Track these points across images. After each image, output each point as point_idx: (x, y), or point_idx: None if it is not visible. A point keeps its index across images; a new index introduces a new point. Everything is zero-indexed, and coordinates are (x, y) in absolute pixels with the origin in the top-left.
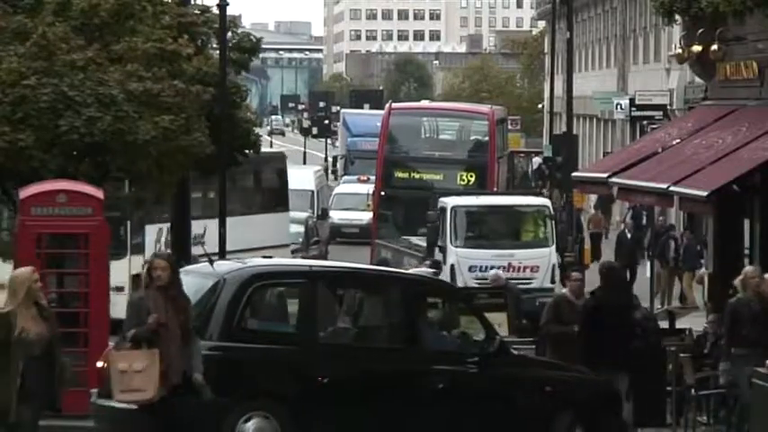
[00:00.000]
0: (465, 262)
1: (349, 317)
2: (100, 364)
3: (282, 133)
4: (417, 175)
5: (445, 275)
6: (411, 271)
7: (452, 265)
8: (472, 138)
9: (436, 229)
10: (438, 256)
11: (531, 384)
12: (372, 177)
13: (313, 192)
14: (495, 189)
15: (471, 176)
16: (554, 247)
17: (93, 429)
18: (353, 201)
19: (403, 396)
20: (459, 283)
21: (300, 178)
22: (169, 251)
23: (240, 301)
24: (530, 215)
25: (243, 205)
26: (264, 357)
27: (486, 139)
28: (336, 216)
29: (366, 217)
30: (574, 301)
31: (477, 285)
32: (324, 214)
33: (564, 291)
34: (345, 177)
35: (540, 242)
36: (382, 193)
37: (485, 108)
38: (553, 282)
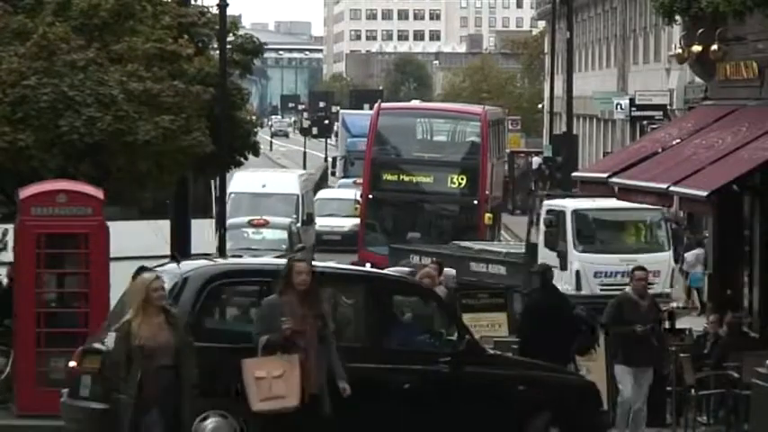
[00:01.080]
0: (590, 268)
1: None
2: (72, 363)
3: (286, 135)
4: (407, 178)
5: (569, 282)
6: (386, 270)
7: (577, 272)
8: (464, 139)
9: (553, 233)
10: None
11: (504, 384)
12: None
13: (298, 196)
14: (487, 192)
15: (462, 179)
16: (671, 252)
17: (64, 429)
18: (336, 206)
19: (365, 395)
20: (585, 290)
21: (284, 182)
22: (307, 254)
23: (199, 300)
24: (649, 218)
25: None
26: (222, 356)
27: (479, 140)
28: (317, 222)
29: (349, 224)
30: (638, 300)
31: (601, 292)
32: (309, 220)
33: (627, 290)
34: (342, 180)
35: (659, 246)
36: (370, 197)
37: (477, 108)
38: (671, 286)
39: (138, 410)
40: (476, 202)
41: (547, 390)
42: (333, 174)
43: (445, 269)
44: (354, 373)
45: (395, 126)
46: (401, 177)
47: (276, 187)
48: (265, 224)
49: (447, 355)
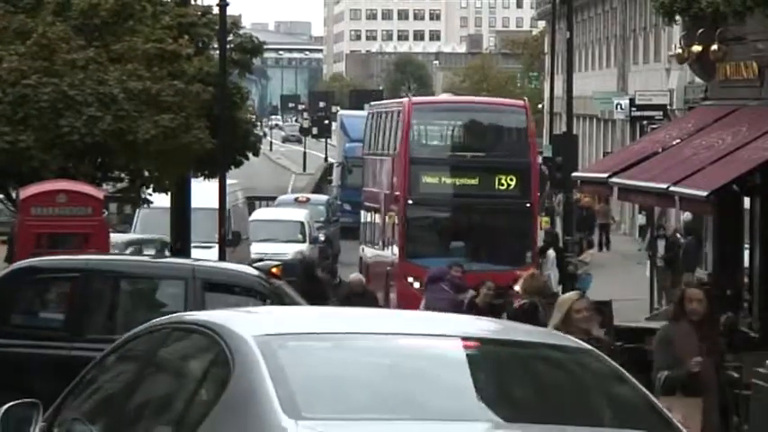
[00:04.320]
0: None
1: (126, 311)
2: None
3: (299, 141)
4: (449, 180)
5: None
6: (229, 266)
7: None
8: (510, 135)
9: None
10: None
11: None
12: (313, 197)
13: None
14: (538, 194)
15: (511, 180)
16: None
17: None
18: (276, 229)
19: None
20: None
21: (206, 195)
22: (703, 280)
23: (2, 297)
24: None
25: None
26: (22, 353)
27: (526, 136)
28: (253, 249)
29: (292, 250)
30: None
31: None
32: (236, 240)
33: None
34: (282, 197)
35: None
36: (409, 202)
37: (519, 101)
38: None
39: None
40: (528, 205)
41: None
42: (329, 182)
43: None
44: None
45: (431, 123)
46: (442, 180)
47: (197, 201)
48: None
49: None
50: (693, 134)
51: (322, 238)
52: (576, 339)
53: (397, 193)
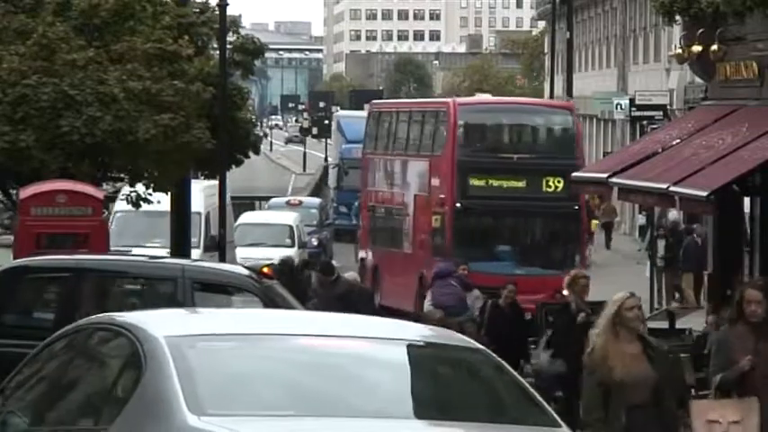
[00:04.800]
0: None
1: (116, 310)
2: None
3: (303, 142)
4: (496, 183)
5: None
6: (219, 266)
7: None
8: (556, 136)
9: None
10: None
11: None
12: (306, 200)
13: (200, 214)
14: (587, 198)
15: (559, 182)
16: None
17: None
18: (264, 233)
19: None
20: None
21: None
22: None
23: None
24: None
25: None
26: (14, 352)
27: (573, 137)
28: (238, 254)
29: (279, 255)
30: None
31: None
32: (213, 244)
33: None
34: (274, 200)
35: None
36: (457, 205)
37: (564, 102)
38: None
39: None
40: (576, 207)
41: None
42: (325, 183)
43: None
44: None
45: (477, 124)
46: (489, 182)
47: (168, 204)
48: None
49: None
50: (693, 134)
51: (315, 242)
52: (466, 338)
53: (442, 195)
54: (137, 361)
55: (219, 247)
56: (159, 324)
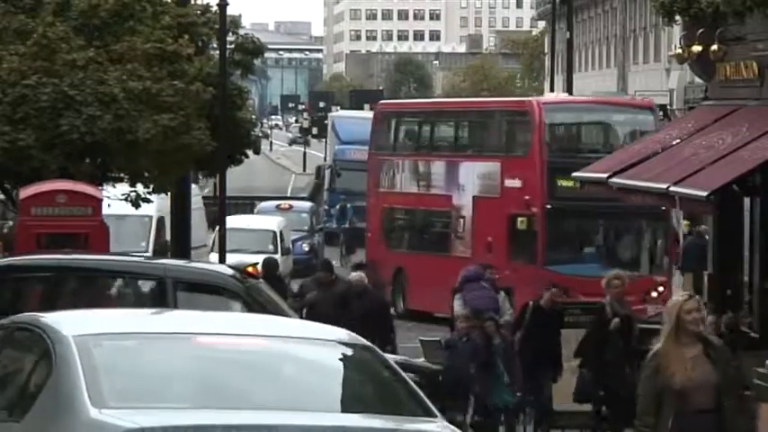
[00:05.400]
0: None
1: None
2: None
3: (307, 143)
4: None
5: None
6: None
7: None
8: (638, 135)
9: None
10: None
11: None
12: (296, 204)
13: (151, 217)
14: None
15: None
16: None
17: None
18: (247, 239)
19: None
20: None
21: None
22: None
23: None
24: None
25: None
26: None
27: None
28: (213, 260)
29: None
30: None
31: None
32: (164, 249)
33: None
34: (263, 204)
35: None
36: (548, 207)
37: (645, 100)
38: None
39: None
40: (664, 208)
41: None
42: (318, 185)
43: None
44: None
45: (563, 124)
46: (576, 183)
47: (120, 207)
48: None
49: None
50: (693, 134)
51: (306, 248)
52: (355, 335)
53: (528, 197)
54: (48, 358)
55: (184, 252)
56: (71, 324)
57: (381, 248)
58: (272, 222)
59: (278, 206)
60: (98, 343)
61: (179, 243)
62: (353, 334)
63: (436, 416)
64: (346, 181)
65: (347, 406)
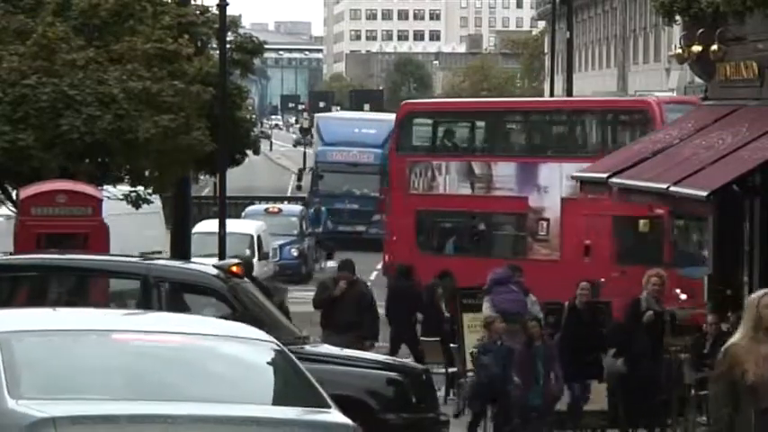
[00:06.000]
0: None
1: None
2: None
3: (309, 143)
4: None
5: None
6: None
7: None
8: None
9: None
10: None
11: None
12: (285, 208)
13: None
14: None
15: None
16: None
17: None
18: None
19: None
20: None
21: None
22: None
23: None
24: None
25: None
26: None
27: None
28: None
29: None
30: None
31: None
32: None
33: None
34: (251, 208)
35: None
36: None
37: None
38: None
39: None
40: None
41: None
42: (299, 187)
43: None
44: None
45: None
46: None
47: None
48: None
49: None
50: (693, 134)
51: (295, 253)
52: (261, 332)
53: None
54: None
55: (182, 253)
56: None
57: (415, 252)
58: (250, 226)
59: (267, 210)
60: (20, 339)
61: (180, 245)
62: (259, 330)
63: (330, 407)
64: (328, 183)
65: (250, 398)
